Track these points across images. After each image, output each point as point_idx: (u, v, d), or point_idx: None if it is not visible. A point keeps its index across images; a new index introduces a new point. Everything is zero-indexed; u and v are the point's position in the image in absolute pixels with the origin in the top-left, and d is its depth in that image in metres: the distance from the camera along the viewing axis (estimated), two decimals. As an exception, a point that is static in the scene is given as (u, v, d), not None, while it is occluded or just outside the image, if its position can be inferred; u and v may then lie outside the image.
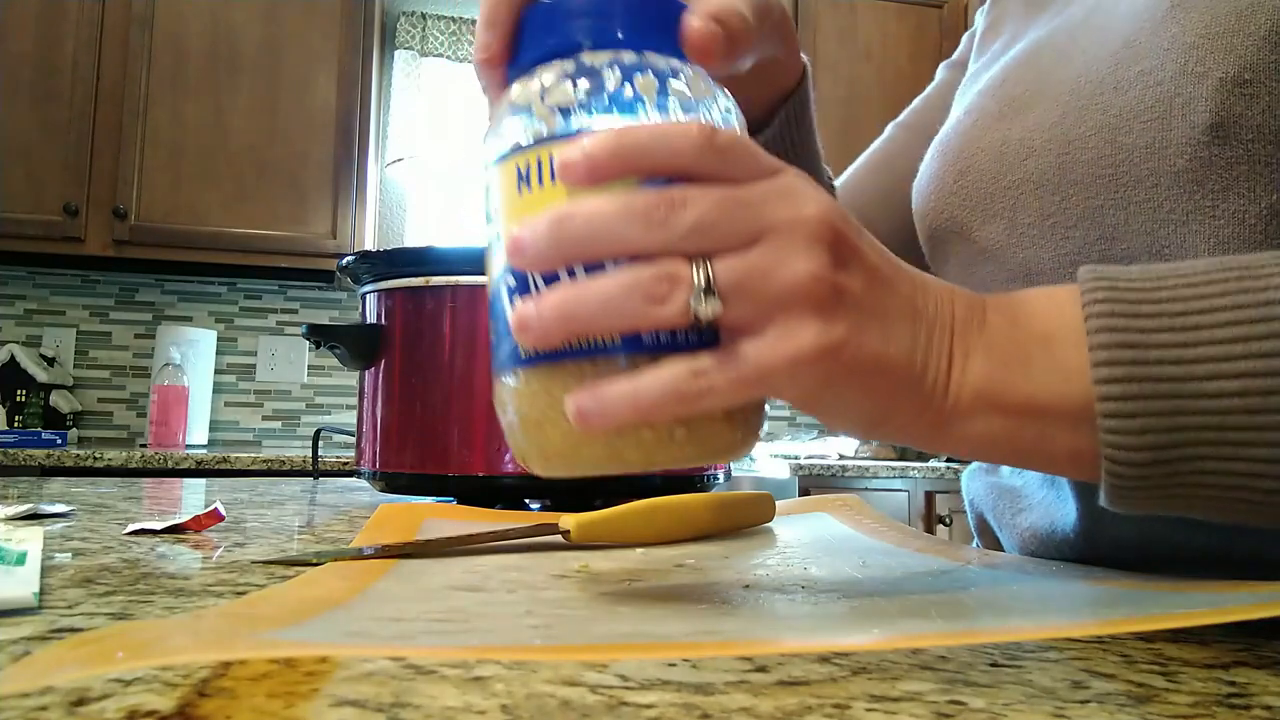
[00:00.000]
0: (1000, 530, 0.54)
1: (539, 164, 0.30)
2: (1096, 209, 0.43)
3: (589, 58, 0.31)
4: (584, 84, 0.30)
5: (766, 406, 0.33)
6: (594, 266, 0.28)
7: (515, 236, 0.28)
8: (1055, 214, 0.45)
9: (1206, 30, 0.38)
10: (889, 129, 0.72)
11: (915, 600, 0.31)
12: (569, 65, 0.31)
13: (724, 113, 0.32)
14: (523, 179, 0.30)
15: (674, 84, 0.31)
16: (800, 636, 0.27)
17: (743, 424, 0.31)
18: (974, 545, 0.58)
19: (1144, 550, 0.43)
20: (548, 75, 0.31)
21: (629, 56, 0.31)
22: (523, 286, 0.30)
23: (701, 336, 0.29)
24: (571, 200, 0.28)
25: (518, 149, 0.31)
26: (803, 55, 0.52)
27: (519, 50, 0.33)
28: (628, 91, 0.30)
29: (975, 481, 0.58)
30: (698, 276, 0.28)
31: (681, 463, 0.30)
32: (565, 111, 0.30)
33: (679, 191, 0.28)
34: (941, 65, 0.70)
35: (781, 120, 0.52)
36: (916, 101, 0.71)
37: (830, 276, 0.28)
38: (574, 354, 0.29)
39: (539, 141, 0.30)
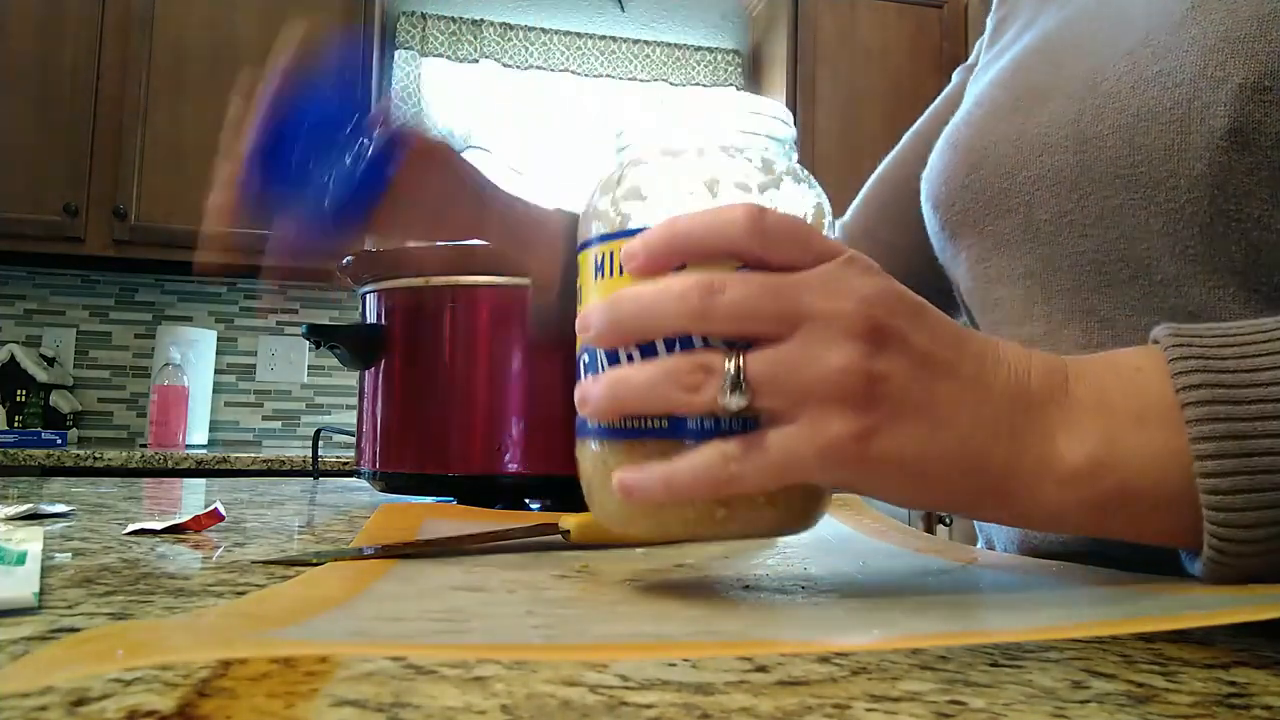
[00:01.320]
0: (997, 530, 0.54)
1: (610, 256, 0.33)
2: (1115, 209, 0.42)
3: (663, 159, 0.34)
4: (651, 183, 0.34)
5: (824, 491, 0.33)
6: (649, 349, 0.31)
7: (582, 316, 0.32)
8: (1073, 211, 0.44)
9: (1227, 34, 0.37)
10: (904, 139, 0.71)
11: (915, 601, 0.31)
12: (646, 166, 0.34)
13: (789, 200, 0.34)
14: (598, 268, 0.34)
15: (736, 177, 0.33)
16: (800, 636, 0.27)
17: (785, 506, 0.31)
18: (980, 544, 0.58)
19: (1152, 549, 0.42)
20: (626, 175, 0.34)
21: (694, 158, 0.34)
22: (592, 362, 0.33)
23: (745, 423, 0.30)
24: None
25: (595, 240, 0.34)
26: None
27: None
28: (694, 190, 0.33)
29: None
30: (729, 368, 0.29)
31: (726, 538, 0.33)
32: (633, 208, 0.33)
33: (719, 278, 0.29)
34: (958, 69, 0.69)
35: None
36: (931, 107, 0.70)
37: (864, 368, 0.29)
38: (627, 433, 0.32)
39: (611, 236, 0.33)
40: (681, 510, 0.31)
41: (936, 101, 0.70)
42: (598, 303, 0.31)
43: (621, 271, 0.32)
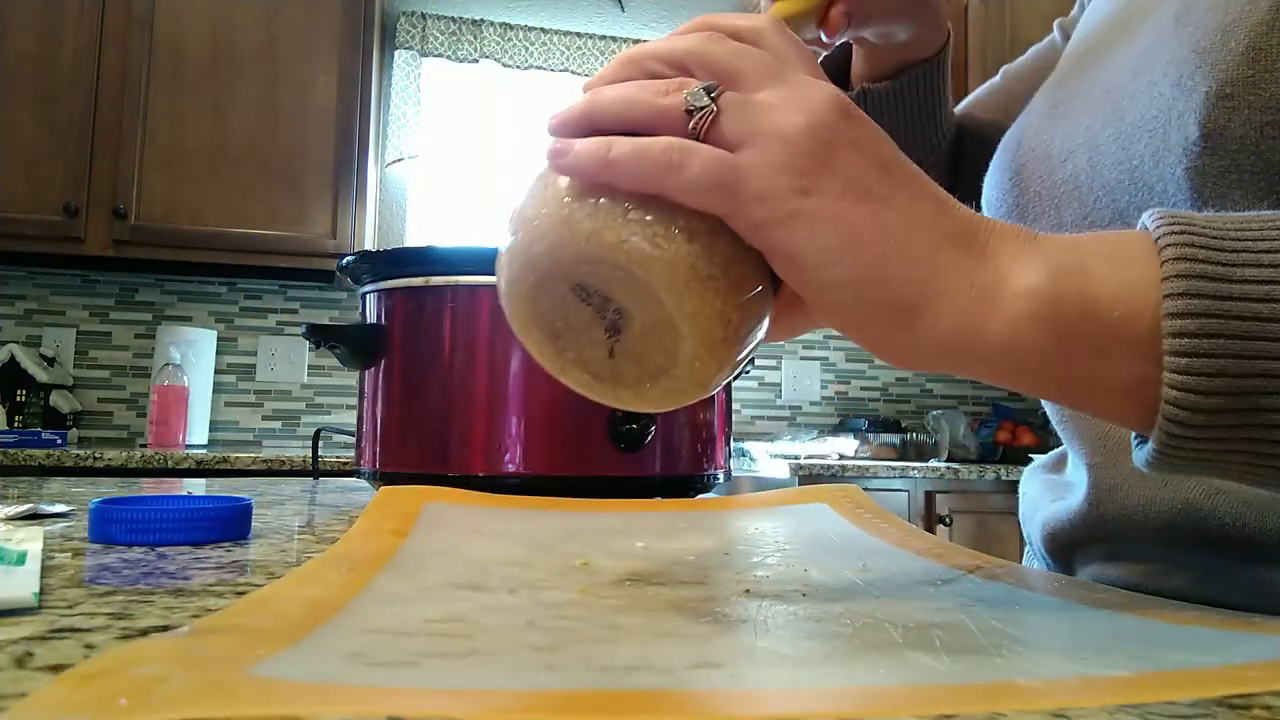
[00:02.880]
0: (1032, 519, 0.55)
1: None
2: (1121, 211, 0.44)
3: None
4: None
5: (747, 330, 0.31)
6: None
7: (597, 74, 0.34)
8: (1091, 214, 0.46)
9: (1196, 45, 0.39)
10: (984, 85, 0.73)
11: (918, 625, 0.30)
12: None
13: None
14: None
15: None
16: (803, 678, 0.25)
17: (702, 254, 0.30)
18: (1027, 556, 0.59)
19: (1144, 520, 0.43)
20: None
21: None
22: None
23: None
24: None
25: None
26: (947, 26, 0.60)
27: None
28: None
29: (1033, 480, 0.58)
30: (704, 83, 0.31)
31: (631, 265, 0.30)
32: None
33: (725, 37, 0.33)
34: (1056, 22, 0.69)
35: (905, 82, 0.60)
36: (1029, 53, 0.71)
37: (828, 134, 0.30)
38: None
39: None
40: (597, 201, 0.30)
41: (1031, 50, 0.70)
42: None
43: None
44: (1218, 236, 0.28)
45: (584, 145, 0.30)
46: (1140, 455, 0.29)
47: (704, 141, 0.30)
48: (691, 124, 0.30)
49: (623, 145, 0.30)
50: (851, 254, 0.29)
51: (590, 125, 0.32)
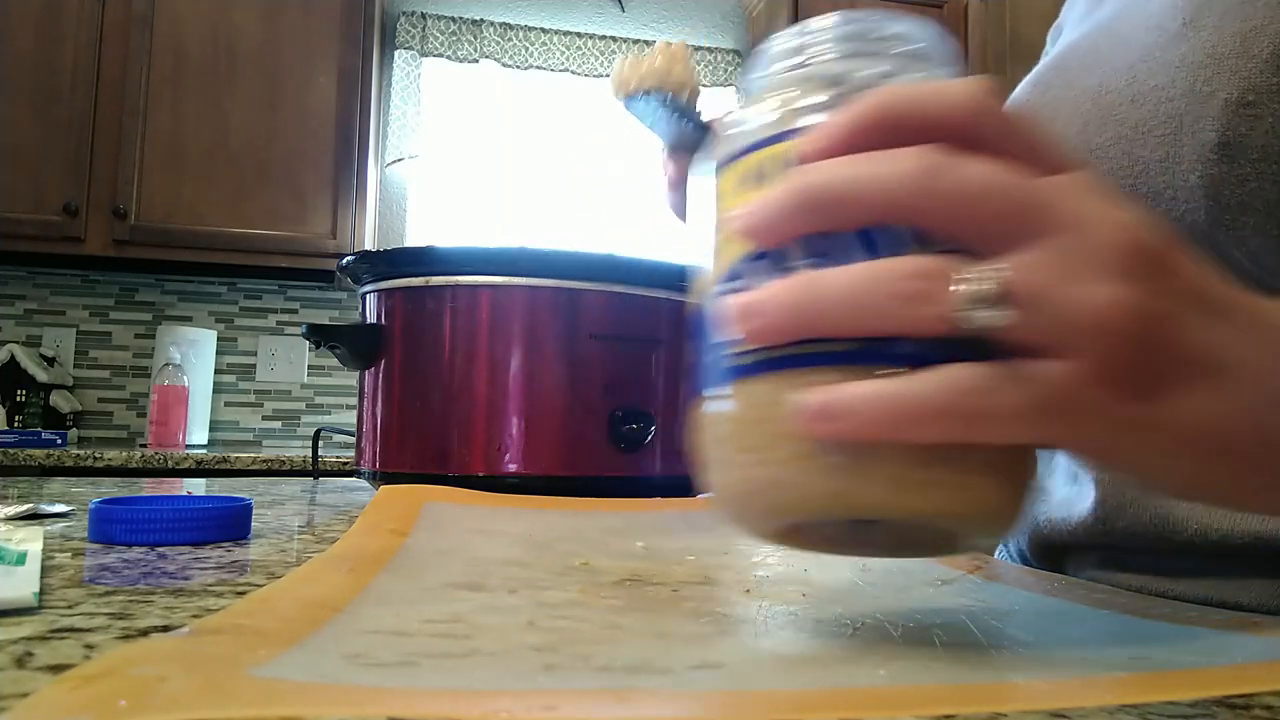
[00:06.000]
0: None
1: (772, 159, 0.26)
2: None
3: (824, 67, 0.28)
4: (824, 89, 0.27)
5: (1036, 479, 0.26)
6: (824, 259, 0.24)
7: (746, 209, 0.24)
8: None
9: (1213, 51, 0.38)
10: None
11: (918, 624, 0.30)
12: (808, 79, 0.28)
13: None
14: (752, 176, 0.27)
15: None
16: (803, 678, 0.25)
17: (1009, 481, 0.25)
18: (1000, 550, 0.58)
19: (1157, 537, 0.43)
20: (786, 86, 0.28)
21: (864, 66, 0.27)
22: (736, 281, 0.26)
23: (953, 358, 0.23)
24: None
25: (749, 149, 0.27)
26: None
27: (751, 75, 0.30)
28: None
29: None
30: (981, 273, 0.22)
31: (918, 519, 0.24)
32: (804, 113, 0.26)
33: (951, 152, 0.23)
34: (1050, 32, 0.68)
35: None
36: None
37: (1143, 302, 0.22)
38: (805, 360, 0.24)
39: (772, 140, 0.26)
40: (869, 468, 0.23)
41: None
42: (774, 189, 0.24)
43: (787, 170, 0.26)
44: None
45: (863, 408, 0.22)
46: None
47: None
48: (974, 331, 0.22)
49: (917, 394, 0.22)
50: (1207, 460, 0.24)
51: (807, 329, 0.23)
